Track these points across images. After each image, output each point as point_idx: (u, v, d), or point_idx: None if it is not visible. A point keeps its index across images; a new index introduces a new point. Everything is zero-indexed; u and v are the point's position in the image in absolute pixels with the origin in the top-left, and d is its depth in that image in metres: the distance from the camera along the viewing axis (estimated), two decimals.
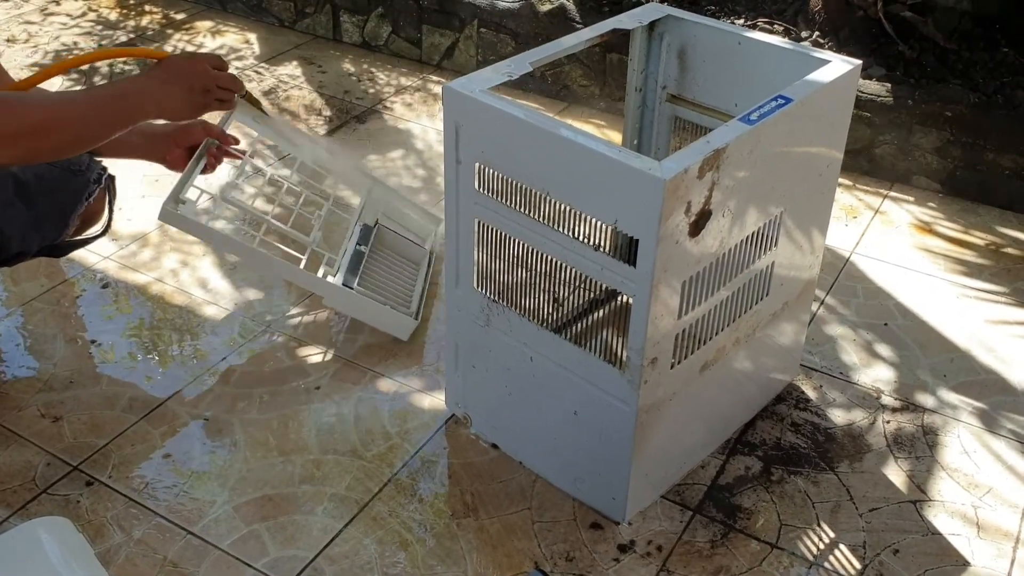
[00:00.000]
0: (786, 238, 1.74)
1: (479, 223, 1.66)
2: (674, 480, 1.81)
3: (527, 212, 1.59)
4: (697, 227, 1.47)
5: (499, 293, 1.71)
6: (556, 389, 1.70)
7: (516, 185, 1.58)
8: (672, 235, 1.44)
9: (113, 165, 2.76)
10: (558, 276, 1.62)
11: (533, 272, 1.64)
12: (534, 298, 1.68)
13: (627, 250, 1.49)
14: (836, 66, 1.66)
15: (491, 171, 1.60)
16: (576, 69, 3.14)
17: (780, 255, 1.74)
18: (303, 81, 3.27)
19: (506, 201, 1.60)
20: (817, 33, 2.98)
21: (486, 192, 1.62)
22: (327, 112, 3.07)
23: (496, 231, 1.65)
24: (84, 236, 1.99)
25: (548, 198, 1.54)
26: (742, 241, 1.62)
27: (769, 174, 1.60)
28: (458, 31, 3.32)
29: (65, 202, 1.90)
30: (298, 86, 3.23)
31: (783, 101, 1.55)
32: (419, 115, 3.09)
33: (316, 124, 3.01)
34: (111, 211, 1.98)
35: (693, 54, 1.85)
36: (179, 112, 1.78)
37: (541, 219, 1.57)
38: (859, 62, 1.69)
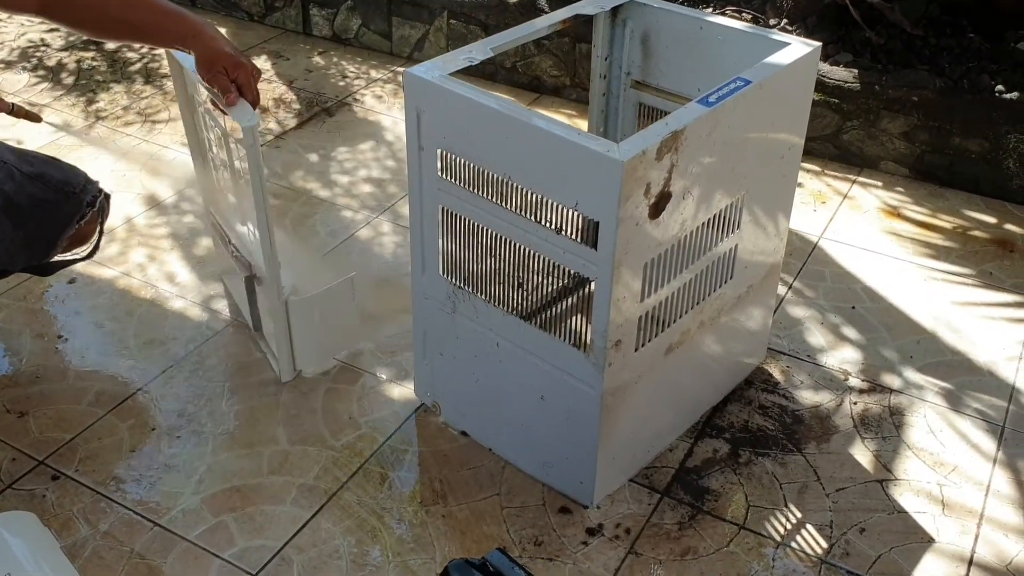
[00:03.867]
0: (749, 221, 1.74)
1: (443, 209, 1.66)
2: (642, 463, 1.82)
3: (490, 197, 1.59)
4: (657, 209, 1.48)
5: (464, 279, 1.71)
6: (523, 375, 1.70)
7: (478, 171, 1.58)
8: (632, 217, 1.44)
9: (80, 158, 2.74)
10: (523, 261, 1.62)
11: (498, 258, 1.64)
12: (500, 284, 1.68)
13: (589, 233, 1.50)
14: (795, 48, 1.67)
15: (453, 157, 1.60)
16: (546, 60, 3.14)
17: (743, 238, 1.75)
18: (272, 75, 3.25)
19: (469, 187, 1.60)
20: (785, 20, 2.99)
21: (449, 178, 1.62)
22: (297, 105, 3.06)
23: (460, 217, 1.65)
24: (71, 256, 1.96)
25: (510, 183, 1.54)
26: (704, 224, 1.63)
27: (729, 156, 1.60)
28: (428, 23, 3.31)
29: (55, 225, 1.85)
30: (267, 80, 3.21)
31: (742, 83, 1.55)
32: (390, 107, 3.09)
33: (286, 117, 3.00)
34: (101, 232, 1.94)
35: (656, 40, 1.86)
36: None
37: (504, 204, 1.57)
38: (818, 44, 1.70)
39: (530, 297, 1.74)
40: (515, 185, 1.54)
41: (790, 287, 2.30)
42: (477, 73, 3.18)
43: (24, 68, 3.25)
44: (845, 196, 2.67)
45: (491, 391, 1.79)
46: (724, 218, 1.68)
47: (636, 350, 1.61)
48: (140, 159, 2.75)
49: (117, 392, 1.97)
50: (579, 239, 1.51)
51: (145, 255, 2.37)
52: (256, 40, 3.50)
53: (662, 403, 1.79)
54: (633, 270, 1.51)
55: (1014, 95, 2.62)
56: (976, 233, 2.53)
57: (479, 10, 3.20)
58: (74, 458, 1.82)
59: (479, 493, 1.76)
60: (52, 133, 2.87)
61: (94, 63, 3.29)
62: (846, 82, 2.75)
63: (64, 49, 3.39)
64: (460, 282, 1.72)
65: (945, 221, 2.58)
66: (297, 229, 2.48)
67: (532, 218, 1.55)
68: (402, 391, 1.98)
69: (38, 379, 2.00)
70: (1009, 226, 2.56)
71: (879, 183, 2.73)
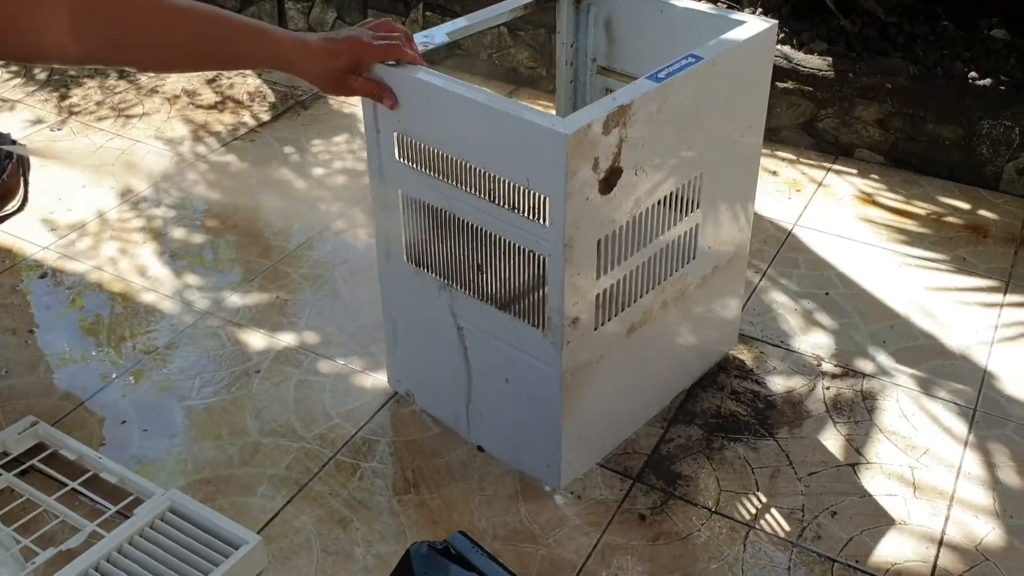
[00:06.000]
0: (709, 201, 1.74)
1: (403, 194, 1.66)
2: (612, 445, 1.82)
3: (447, 179, 1.59)
4: (608, 185, 1.48)
5: (427, 265, 1.71)
6: (487, 358, 1.70)
7: (434, 153, 1.58)
8: (581, 192, 1.44)
9: (56, 154, 2.73)
10: (481, 243, 1.62)
11: (457, 241, 1.64)
12: (460, 267, 1.67)
13: (541, 210, 1.50)
14: (751, 26, 1.67)
15: (409, 140, 1.60)
16: (523, 51, 3.14)
17: (704, 219, 1.74)
18: None
19: (426, 170, 1.61)
20: (760, 9, 2.99)
21: (407, 162, 1.62)
22: (271, 98, 3.05)
23: (419, 201, 1.65)
24: (2, 214, 1.93)
25: (465, 164, 1.55)
26: (660, 202, 1.62)
27: (683, 133, 1.60)
28: (404, 15, 3.30)
29: None
30: (241, 73, 3.20)
31: (693, 60, 1.55)
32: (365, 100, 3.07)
33: (260, 111, 2.98)
34: (26, 185, 1.91)
35: (619, 24, 1.86)
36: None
37: (460, 186, 1.57)
38: (774, 22, 1.70)
39: (494, 282, 1.73)
40: (470, 166, 1.54)
41: (764, 274, 2.30)
42: (454, 66, 3.18)
43: None
44: (820, 184, 2.68)
45: (460, 377, 1.78)
46: (682, 197, 1.67)
47: (595, 329, 1.62)
48: (113, 153, 2.73)
49: (88, 385, 1.96)
50: (532, 217, 1.51)
51: (117, 249, 2.36)
52: None
53: (628, 385, 1.78)
54: (586, 247, 1.51)
55: (987, 82, 2.63)
56: (950, 219, 2.53)
57: (455, 1, 3.19)
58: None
59: (451, 482, 1.76)
60: (25, 128, 2.85)
61: None
62: (820, 70, 2.76)
63: None
64: (424, 267, 1.72)
65: (919, 207, 2.58)
66: (269, 221, 2.47)
67: (487, 198, 1.54)
68: (374, 381, 1.97)
69: (8, 373, 1.98)
70: (983, 212, 2.56)
71: (854, 170, 2.74)
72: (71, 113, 2.95)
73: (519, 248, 1.55)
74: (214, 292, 2.22)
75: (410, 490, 1.74)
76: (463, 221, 1.60)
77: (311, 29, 3.49)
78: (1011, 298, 2.24)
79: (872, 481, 1.77)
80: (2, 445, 1.77)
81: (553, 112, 2.86)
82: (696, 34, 1.72)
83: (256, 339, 2.08)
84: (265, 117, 2.95)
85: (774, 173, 2.71)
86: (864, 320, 2.17)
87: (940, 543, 1.66)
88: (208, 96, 3.06)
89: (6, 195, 1.90)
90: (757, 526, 1.69)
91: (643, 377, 1.82)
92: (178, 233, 2.42)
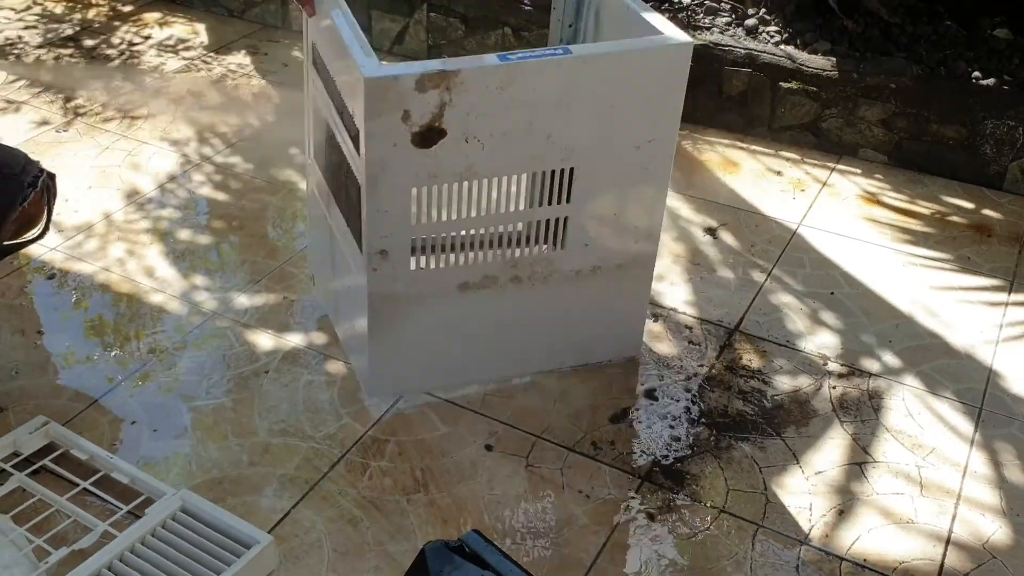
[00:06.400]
0: (586, 199, 1.75)
1: (313, 99, 1.82)
2: (439, 385, 1.94)
3: (329, 95, 1.71)
4: (424, 140, 1.54)
5: (320, 170, 1.89)
6: (343, 265, 1.87)
7: (324, 67, 1.72)
8: (387, 136, 1.53)
9: (59, 154, 2.74)
10: (341, 160, 1.73)
11: (332, 152, 1.77)
12: (332, 178, 1.81)
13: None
14: (660, 38, 1.64)
15: (317, 52, 1.75)
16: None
17: (578, 214, 1.76)
18: (252, 70, 3.25)
19: (322, 83, 1.75)
20: (764, 10, 3.00)
21: (316, 72, 1.78)
22: (276, 100, 3.06)
23: (319, 112, 1.80)
24: (21, 240, 1.93)
25: (335, 84, 1.67)
26: (506, 179, 1.67)
27: (540, 121, 1.62)
28: (408, 16, 3.31)
29: None
30: (247, 75, 3.21)
31: (560, 52, 1.57)
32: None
33: (265, 112, 2.99)
34: (50, 213, 1.91)
35: (604, 15, 1.89)
36: None
37: (335, 103, 1.69)
38: (689, 40, 1.63)
39: (343, 198, 1.82)
40: (337, 88, 1.66)
41: (769, 274, 2.31)
42: None
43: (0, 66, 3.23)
44: (824, 184, 2.68)
45: (332, 278, 1.99)
46: (541, 183, 1.72)
47: (413, 268, 1.72)
48: (119, 155, 2.74)
49: (97, 386, 1.97)
50: (356, 148, 1.61)
51: (124, 250, 2.37)
52: (235, 36, 3.49)
53: (465, 336, 1.88)
54: (398, 189, 1.61)
55: (990, 81, 2.64)
56: (954, 218, 2.54)
57: (458, 3, 3.20)
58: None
59: (460, 481, 1.77)
60: (30, 130, 2.86)
61: (72, 60, 3.28)
62: (824, 70, 2.77)
63: (42, 46, 3.37)
64: (321, 177, 1.90)
65: (923, 207, 2.59)
66: (276, 222, 2.48)
67: (342, 121, 1.66)
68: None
69: (17, 374, 1.99)
70: (986, 211, 2.57)
71: (858, 170, 2.75)
72: (76, 114, 2.95)
73: (352, 173, 1.66)
74: (221, 293, 2.22)
75: (420, 489, 1.75)
76: (334, 136, 1.73)
77: None
78: (1015, 297, 2.26)
79: (879, 480, 1.78)
80: (13, 445, 1.78)
81: None
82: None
83: (264, 339, 2.09)
84: (270, 118, 2.95)
85: (778, 173, 2.72)
86: (869, 319, 2.18)
87: (947, 541, 1.67)
88: (213, 97, 3.06)
89: (29, 222, 1.89)
90: (765, 525, 1.69)
91: (487, 337, 1.89)
92: (184, 234, 2.43)
